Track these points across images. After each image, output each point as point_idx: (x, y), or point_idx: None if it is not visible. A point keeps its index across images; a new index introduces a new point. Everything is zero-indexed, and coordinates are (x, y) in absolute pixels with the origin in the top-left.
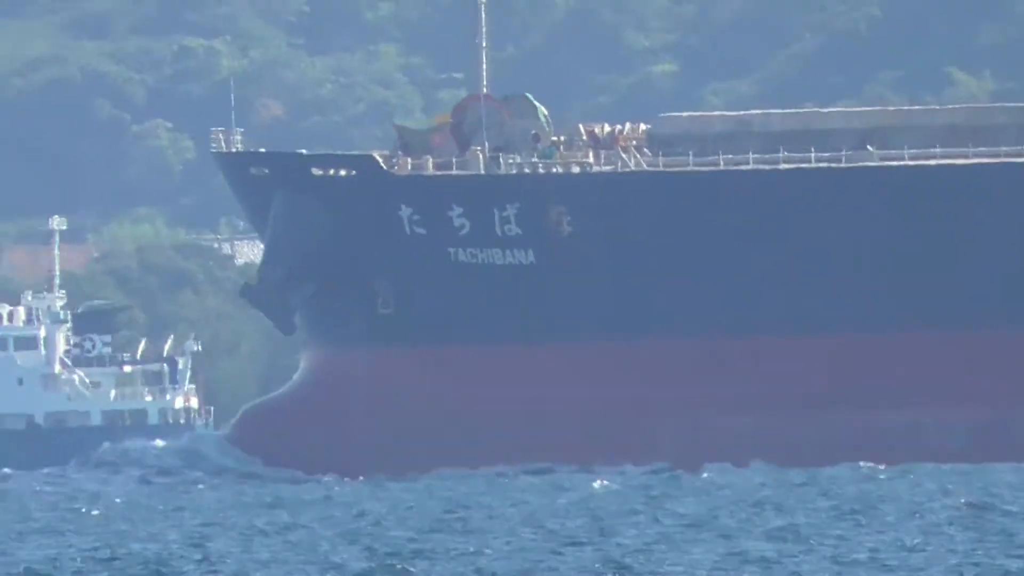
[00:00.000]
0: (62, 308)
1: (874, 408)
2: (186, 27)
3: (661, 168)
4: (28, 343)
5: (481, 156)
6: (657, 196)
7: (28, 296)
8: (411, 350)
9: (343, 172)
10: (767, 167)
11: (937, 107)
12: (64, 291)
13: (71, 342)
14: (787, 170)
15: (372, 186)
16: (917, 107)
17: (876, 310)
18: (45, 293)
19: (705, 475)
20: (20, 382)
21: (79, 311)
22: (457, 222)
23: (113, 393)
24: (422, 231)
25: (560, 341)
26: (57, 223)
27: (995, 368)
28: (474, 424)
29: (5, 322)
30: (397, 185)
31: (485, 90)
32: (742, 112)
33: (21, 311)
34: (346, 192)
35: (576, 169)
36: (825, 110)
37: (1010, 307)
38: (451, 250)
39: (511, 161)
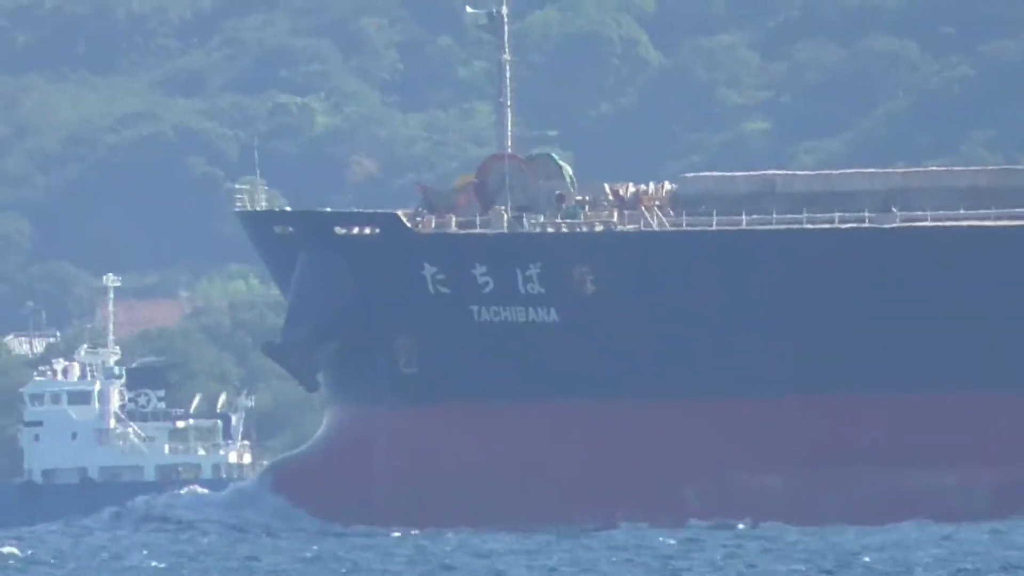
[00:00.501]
0: (116, 364)
1: (896, 467)
2: (280, 84)
3: (685, 228)
4: (82, 398)
5: (504, 215)
6: (681, 256)
7: (82, 352)
8: (434, 408)
9: (367, 230)
10: (791, 227)
11: (961, 168)
12: (119, 347)
13: (125, 397)
14: (810, 231)
15: (396, 244)
16: (941, 168)
17: (899, 371)
18: (99, 348)
19: (769, 532)
20: (74, 436)
21: (133, 366)
22: (480, 280)
23: (167, 448)
24: (445, 290)
25: (584, 400)
26: (111, 280)
27: (1016, 429)
28: (498, 482)
29: (60, 377)
30: (420, 243)
31: (510, 150)
32: (765, 172)
33: (76, 366)
34: (370, 250)
35: (599, 228)
36: (849, 171)
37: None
38: (474, 308)
39: (534, 220)
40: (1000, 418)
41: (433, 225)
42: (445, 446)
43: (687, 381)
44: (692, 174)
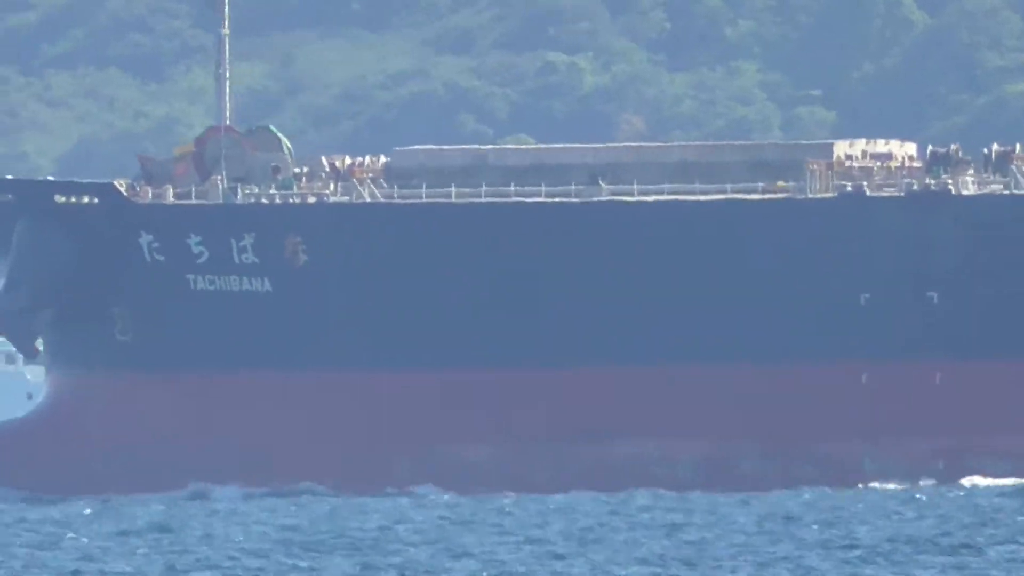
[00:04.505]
0: None
1: (600, 439)
2: (549, 43)
3: (395, 200)
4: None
5: (220, 186)
6: (389, 227)
7: None
8: (149, 376)
9: (85, 199)
10: (498, 200)
11: (670, 144)
12: None
13: None
14: (517, 203)
15: (113, 214)
16: (650, 144)
17: (604, 343)
18: None
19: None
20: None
21: None
22: (196, 250)
23: None
24: (161, 258)
25: (295, 369)
26: None
27: (723, 401)
28: (210, 449)
29: None
30: (137, 213)
31: (228, 122)
32: (477, 147)
33: None
34: (88, 219)
35: (312, 200)
36: (559, 146)
37: (730, 343)
38: (190, 277)
39: (248, 191)
40: (705, 390)
41: (150, 195)
42: (159, 414)
43: (396, 352)
44: (403, 147)
